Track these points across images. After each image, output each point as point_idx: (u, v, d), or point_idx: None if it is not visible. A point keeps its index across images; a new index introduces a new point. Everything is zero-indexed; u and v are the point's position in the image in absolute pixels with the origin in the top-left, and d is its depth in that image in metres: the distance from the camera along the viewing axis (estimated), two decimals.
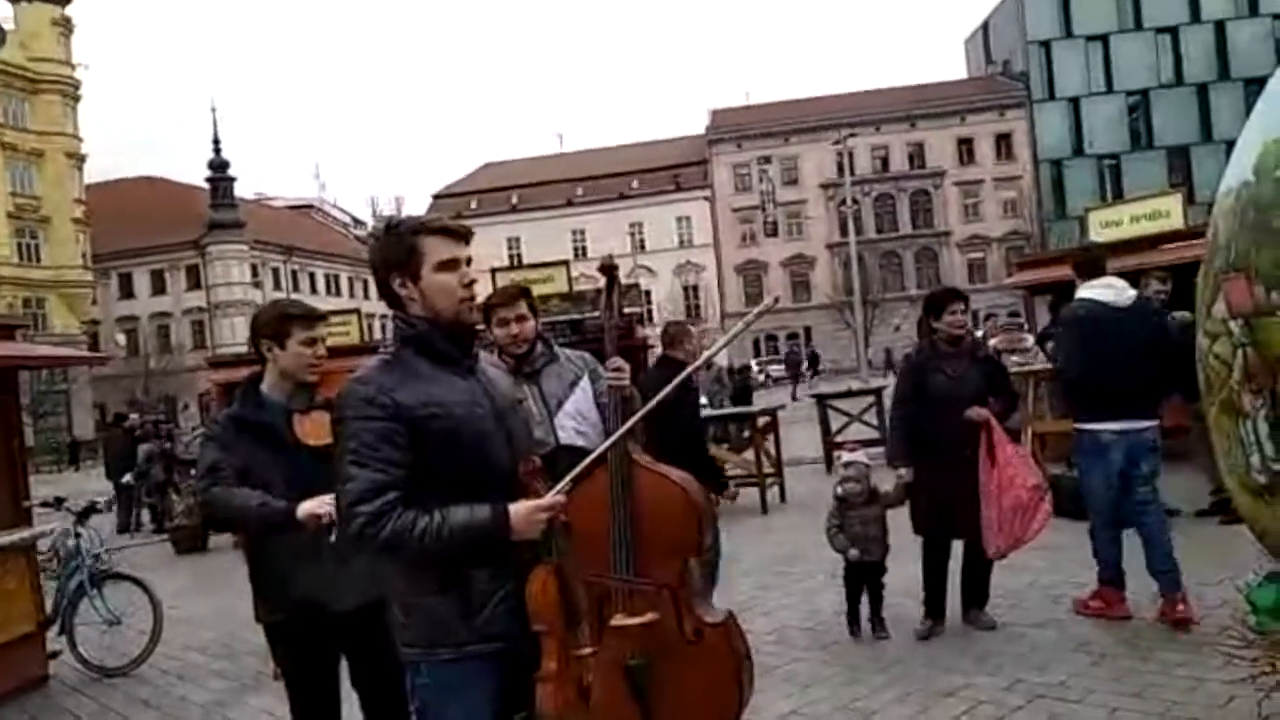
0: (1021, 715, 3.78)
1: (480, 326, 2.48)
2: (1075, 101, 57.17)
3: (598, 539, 2.57)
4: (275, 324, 3.08)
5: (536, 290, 11.67)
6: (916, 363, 5.02)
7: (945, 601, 4.93)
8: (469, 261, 2.24)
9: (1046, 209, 56.85)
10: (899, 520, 5.01)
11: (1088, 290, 4.98)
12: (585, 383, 3.17)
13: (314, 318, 3.14)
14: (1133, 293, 5.08)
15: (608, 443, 2.39)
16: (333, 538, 2.69)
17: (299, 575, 2.95)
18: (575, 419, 3.12)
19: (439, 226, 2.23)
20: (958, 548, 4.96)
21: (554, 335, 9.79)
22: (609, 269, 2.86)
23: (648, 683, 2.65)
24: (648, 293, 54.41)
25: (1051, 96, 57.45)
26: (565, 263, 11.87)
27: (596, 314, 11.52)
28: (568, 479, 2.20)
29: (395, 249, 2.19)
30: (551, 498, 2.13)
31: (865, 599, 4.96)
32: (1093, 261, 5.25)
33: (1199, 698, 3.75)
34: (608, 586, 2.54)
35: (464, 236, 2.25)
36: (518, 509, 2.09)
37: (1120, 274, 8.21)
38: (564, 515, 2.20)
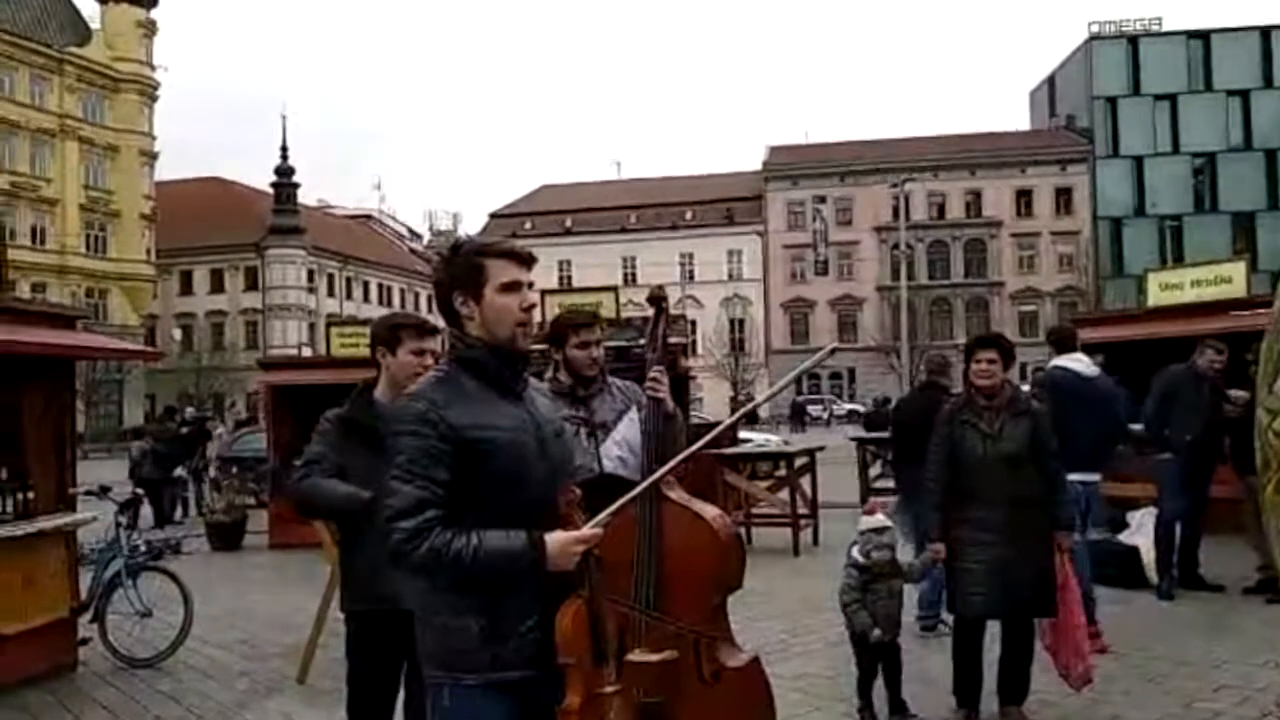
0: None
1: (537, 348, 2.48)
2: (1139, 160, 56.37)
3: (622, 568, 2.55)
4: (388, 333, 3.30)
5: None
6: (948, 415, 4.53)
7: (980, 689, 4.42)
8: (531, 286, 2.26)
9: (1103, 267, 55.95)
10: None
11: (1063, 360, 6.04)
12: (633, 412, 3.17)
13: (425, 330, 3.33)
14: (1097, 369, 6.21)
15: (653, 478, 2.37)
16: None
17: (384, 572, 3.07)
18: (621, 448, 3.11)
19: (506, 249, 2.25)
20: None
21: (618, 360, 9.86)
22: (658, 299, 2.85)
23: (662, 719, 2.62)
24: (693, 323, 54.41)
25: (1115, 154, 56.72)
26: (614, 288, 11.91)
27: (641, 342, 11.60)
28: (607, 512, 2.18)
29: (461, 267, 2.23)
30: (589, 530, 2.11)
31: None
32: (1067, 336, 6.51)
33: None
34: (628, 619, 2.52)
35: (528, 262, 2.26)
36: (554, 539, 2.08)
37: (1179, 340, 8.18)
38: (598, 549, 2.19)
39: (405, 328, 3.29)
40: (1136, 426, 7.11)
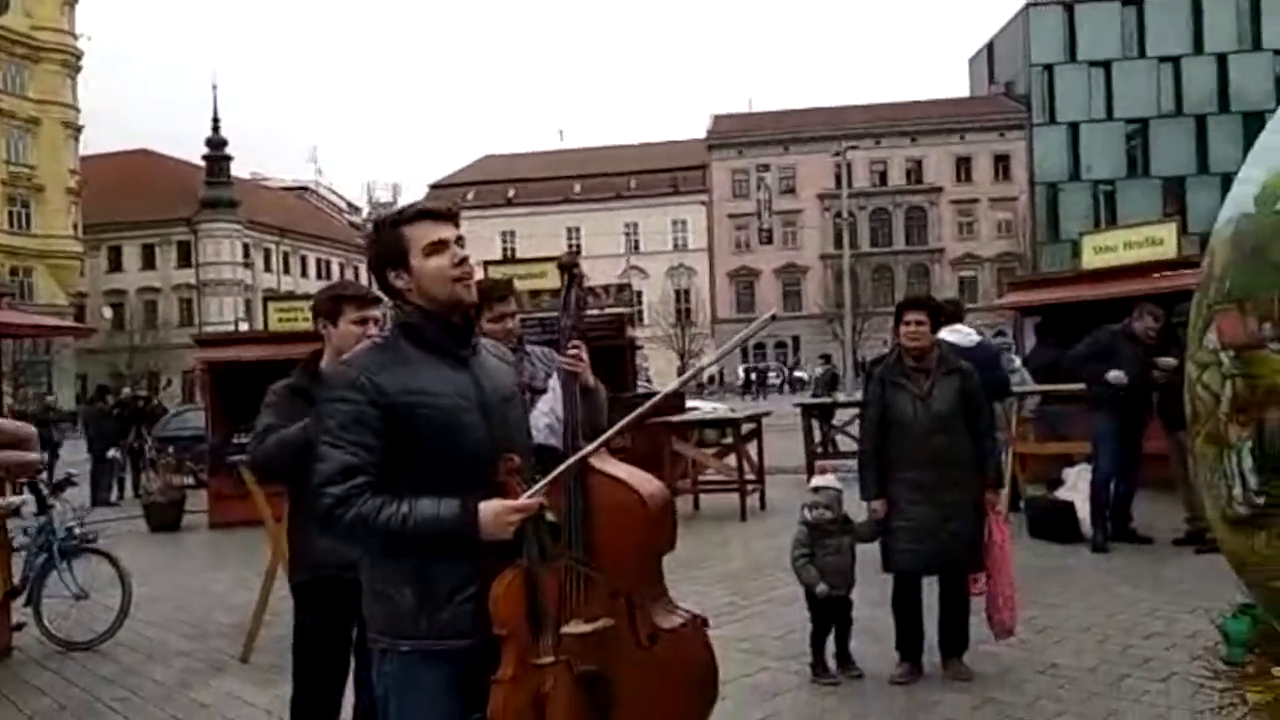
0: None
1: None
2: (1075, 126, 57.42)
3: (538, 533, 2.54)
4: (329, 304, 3.27)
5: (529, 285, 11.75)
6: (879, 377, 4.60)
7: (922, 643, 4.51)
8: (460, 241, 2.22)
9: (1040, 231, 57.08)
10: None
11: (945, 332, 6.26)
12: (554, 380, 3.14)
13: (366, 299, 3.29)
14: (977, 337, 7.12)
15: (590, 448, 2.34)
16: None
17: (327, 540, 3.06)
18: (549, 416, 3.08)
19: (419, 211, 2.22)
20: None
21: (543, 331, 9.78)
22: (568, 265, 2.77)
23: (603, 690, 2.61)
24: (639, 294, 54.38)
25: (1052, 120, 57.70)
26: (557, 258, 11.79)
27: (589, 314, 11.51)
28: (544, 481, 2.16)
29: (384, 243, 2.21)
30: (525, 500, 2.10)
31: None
32: (955, 312, 7.20)
33: None
34: (563, 594, 2.49)
35: (447, 217, 2.23)
36: (488, 508, 2.06)
37: (1112, 301, 8.38)
38: (551, 515, 2.16)
39: (346, 299, 3.26)
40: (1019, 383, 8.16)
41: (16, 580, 6.03)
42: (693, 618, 2.87)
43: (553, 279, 11.19)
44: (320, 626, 3.21)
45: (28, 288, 47.17)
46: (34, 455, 1.52)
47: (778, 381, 48.12)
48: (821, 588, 4.44)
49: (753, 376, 46.12)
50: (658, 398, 2.75)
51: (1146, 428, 7.26)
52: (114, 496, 14.58)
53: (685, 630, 2.81)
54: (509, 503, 2.08)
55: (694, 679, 2.82)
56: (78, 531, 6.32)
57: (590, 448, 2.34)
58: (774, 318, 2.92)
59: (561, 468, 2.23)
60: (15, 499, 6.00)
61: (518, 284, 11.47)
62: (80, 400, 24.93)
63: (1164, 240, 9.87)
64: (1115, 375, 6.85)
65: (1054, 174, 57.81)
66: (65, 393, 43.59)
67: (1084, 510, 7.30)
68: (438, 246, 2.17)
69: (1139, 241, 10.09)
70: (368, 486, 2.05)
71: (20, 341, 38.73)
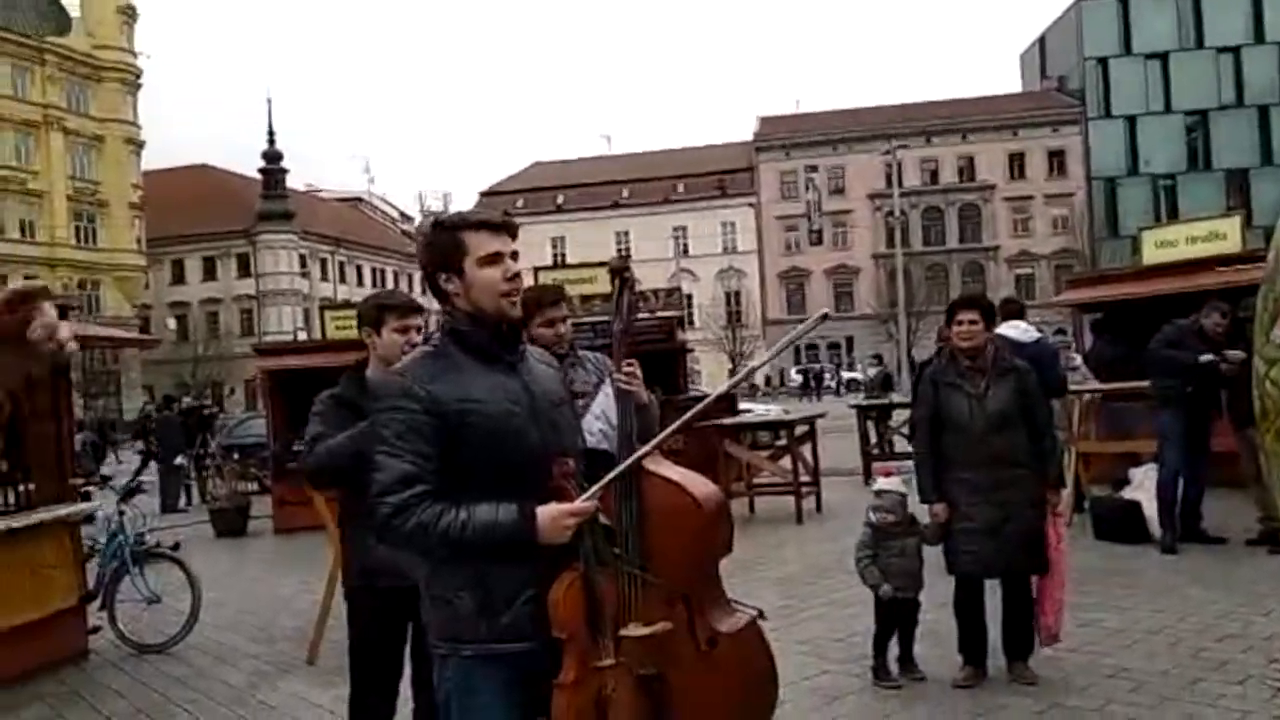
0: None
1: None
2: (1132, 120, 56.11)
3: (596, 537, 2.55)
4: (373, 313, 3.30)
5: (578, 291, 11.82)
6: (929, 378, 4.53)
7: (986, 647, 4.42)
8: (514, 255, 2.24)
9: (1098, 227, 55.86)
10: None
11: (1004, 328, 6.46)
12: (607, 385, 3.15)
13: (408, 308, 3.32)
14: (1036, 334, 7.17)
15: (642, 451, 2.34)
16: None
17: (377, 546, 3.09)
18: (601, 420, 3.09)
19: (480, 221, 2.22)
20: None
21: (594, 336, 9.81)
22: (619, 270, 2.78)
23: (662, 693, 2.61)
24: (689, 297, 54.31)
25: (1108, 114, 56.45)
26: (605, 264, 11.83)
27: (640, 317, 11.53)
28: (599, 485, 2.16)
29: (440, 246, 2.21)
30: (581, 503, 2.10)
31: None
32: (1017, 310, 7.36)
33: None
34: (622, 597, 2.51)
35: (507, 230, 2.24)
36: (546, 512, 2.07)
37: (1174, 297, 8.18)
38: (604, 520, 2.17)
39: (389, 307, 3.29)
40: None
41: (91, 585, 6.21)
42: (752, 619, 2.86)
43: (602, 284, 11.24)
44: (374, 632, 3.24)
45: (95, 300, 48.64)
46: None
47: (833, 383, 47.72)
48: (885, 589, 4.39)
49: (809, 378, 45.84)
50: (708, 399, 2.76)
51: (1214, 425, 7.08)
52: (182, 503, 14.95)
53: (745, 633, 2.80)
54: (565, 506, 2.09)
55: (754, 682, 2.81)
56: (147, 538, 6.51)
57: (644, 450, 2.34)
58: (826, 316, 2.90)
59: (616, 471, 2.24)
60: (88, 505, 6.20)
61: (569, 290, 11.60)
62: (152, 410, 25.49)
63: (1227, 234, 9.61)
64: (1207, 357, 6.63)
65: (1111, 169, 56.52)
66: (133, 403, 44.86)
67: (1151, 510, 7.13)
68: (494, 259, 2.18)
69: (1201, 236, 9.84)
70: (426, 495, 2.06)
71: (90, 353, 39.94)
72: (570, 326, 3.38)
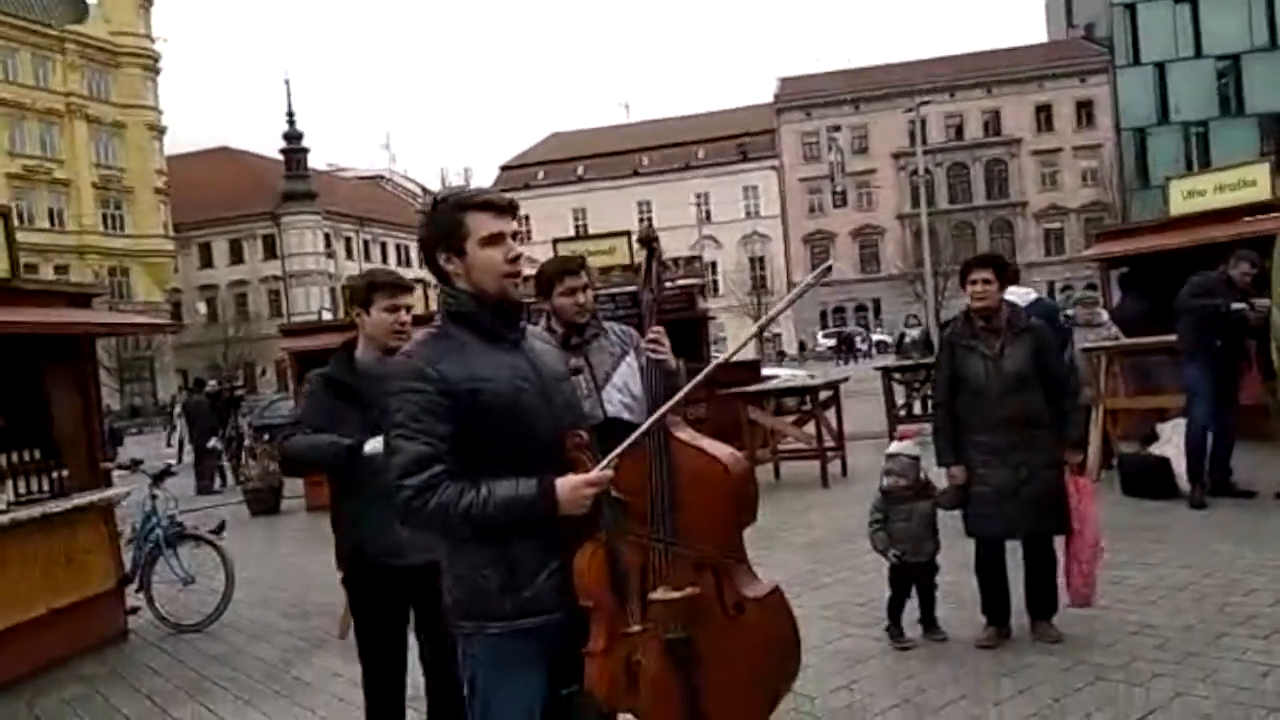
0: (1081, 697, 3.69)
1: (528, 300, 2.47)
2: (1161, 67, 54.83)
3: (637, 511, 2.56)
4: (363, 292, 3.28)
5: (598, 262, 11.81)
6: (948, 341, 4.49)
7: (1009, 607, 4.42)
8: (515, 236, 2.23)
9: (1129, 178, 54.84)
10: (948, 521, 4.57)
11: (1006, 293, 6.93)
12: (631, 356, 3.15)
13: (398, 286, 3.30)
14: (1033, 295, 7.84)
15: (654, 418, 2.35)
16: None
17: (371, 529, 3.11)
18: (622, 392, 3.10)
19: (483, 201, 2.20)
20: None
21: (615, 307, 9.80)
22: (648, 240, 2.80)
23: (689, 656, 2.64)
24: (712, 264, 54.08)
25: (1136, 61, 55.18)
26: (626, 233, 11.81)
27: (632, 289, 11.48)
28: (614, 454, 2.17)
29: (441, 225, 2.20)
30: (598, 473, 2.11)
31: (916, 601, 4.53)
32: (1014, 274, 7.50)
33: (1269, 684, 3.62)
34: (649, 560, 2.53)
35: (509, 210, 2.23)
36: (564, 484, 2.09)
37: (1204, 248, 8.04)
38: (616, 490, 2.18)
39: (378, 286, 3.27)
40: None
41: (128, 568, 6.35)
42: (775, 588, 2.89)
43: (621, 254, 11.21)
44: (373, 612, 3.25)
45: (125, 287, 49.27)
46: None
47: (864, 346, 47.43)
48: (893, 553, 4.42)
49: (842, 341, 45.63)
50: (718, 360, 2.76)
51: (1243, 378, 6.97)
52: (217, 485, 15.20)
53: (770, 599, 2.83)
54: (583, 476, 2.10)
55: (778, 647, 2.84)
56: (180, 520, 6.63)
57: (656, 415, 2.34)
58: (830, 268, 2.89)
59: (629, 440, 2.24)
60: (121, 489, 6.32)
61: (596, 260, 11.58)
62: (182, 392, 25.89)
63: (1257, 181, 9.38)
64: (1238, 305, 6.53)
65: (1141, 118, 55.34)
66: (167, 387, 45.58)
67: (1180, 465, 7.06)
68: (495, 239, 2.17)
69: (1231, 184, 9.62)
70: (445, 475, 2.06)
71: (123, 340, 40.54)
72: (592, 296, 3.37)
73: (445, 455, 2.07)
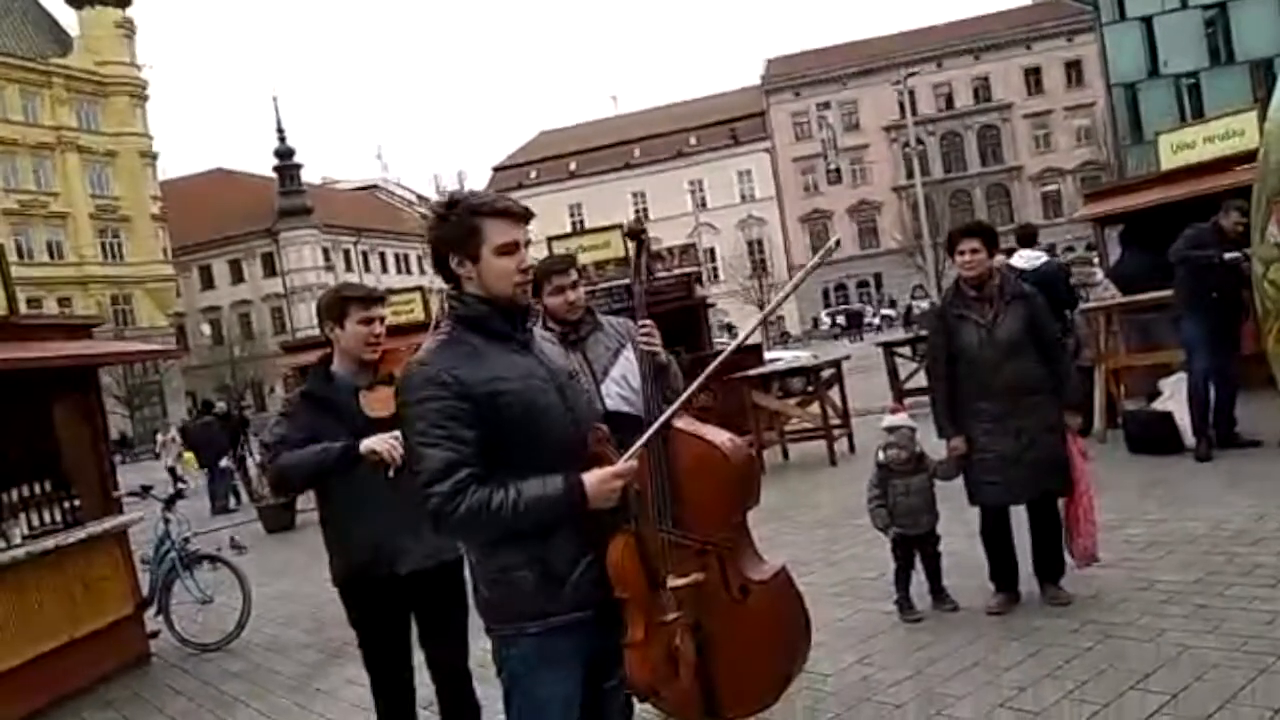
0: (1092, 656, 3.72)
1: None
2: (1148, 20, 54.40)
3: (639, 500, 2.59)
4: (335, 306, 3.23)
5: (593, 256, 11.82)
6: (939, 311, 4.50)
7: (1017, 572, 4.44)
8: (527, 244, 2.25)
9: (1123, 135, 54.54)
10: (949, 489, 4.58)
11: (1014, 258, 7.75)
12: (628, 350, 3.18)
13: (370, 299, 3.27)
14: (1041, 259, 8.17)
15: (673, 408, 2.36)
16: (390, 474, 2.91)
17: (360, 539, 3.13)
18: (620, 385, 3.13)
19: (501, 209, 2.20)
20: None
21: (611, 300, 9.81)
22: (636, 233, 2.84)
23: (701, 641, 2.67)
24: (710, 250, 54.05)
25: (1122, 17, 54.76)
26: (619, 226, 11.82)
27: (655, 277, 11.47)
28: (637, 445, 2.19)
29: (456, 228, 2.19)
30: (624, 464, 2.13)
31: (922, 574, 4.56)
32: (1029, 235, 8.70)
33: (1276, 631, 3.63)
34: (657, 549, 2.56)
35: (524, 219, 2.24)
36: (591, 478, 2.09)
37: (1196, 200, 8.02)
38: (635, 483, 2.20)
39: (352, 299, 3.24)
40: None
41: (145, 592, 6.41)
42: (780, 569, 2.92)
43: (616, 248, 11.22)
44: (373, 623, 3.23)
45: (129, 314, 49.43)
46: None
47: (875, 321, 47.36)
48: (893, 530, 4.45)
49: (850, 318, 45.64)
50: (726, 351, 2.80)
51: (1242, 327, 6.96)
52: (232, 504, 15.28)
53: (776, 580, 2.87)
54: (610, 469, 2.11)
55: (787, 627, 2.88)
56: (193, 542, 6.69)
57: (674, 407, 2.37)
58: (838, 243, 2.91)
59: (650, 431, 2.27)
60: (134, 515, 6.37)
61: (583, 258, 11.60)
62: (189, 415, 25.94)
63: (1245, 130, 9.33)
64: (1231, 255, 6.51)
65: (1131, 73, 54.95)
66: (177, 410, 45.75)
67: (1184, 420, 7.07)
68: (511, 248, 2.18)
69: (1220, 134, 9.58)
70: (472, 479, 2.06)
71: (130, 366, 40.70)
72: (583, 293, 3.39)
73: (470, 459, 2.07)
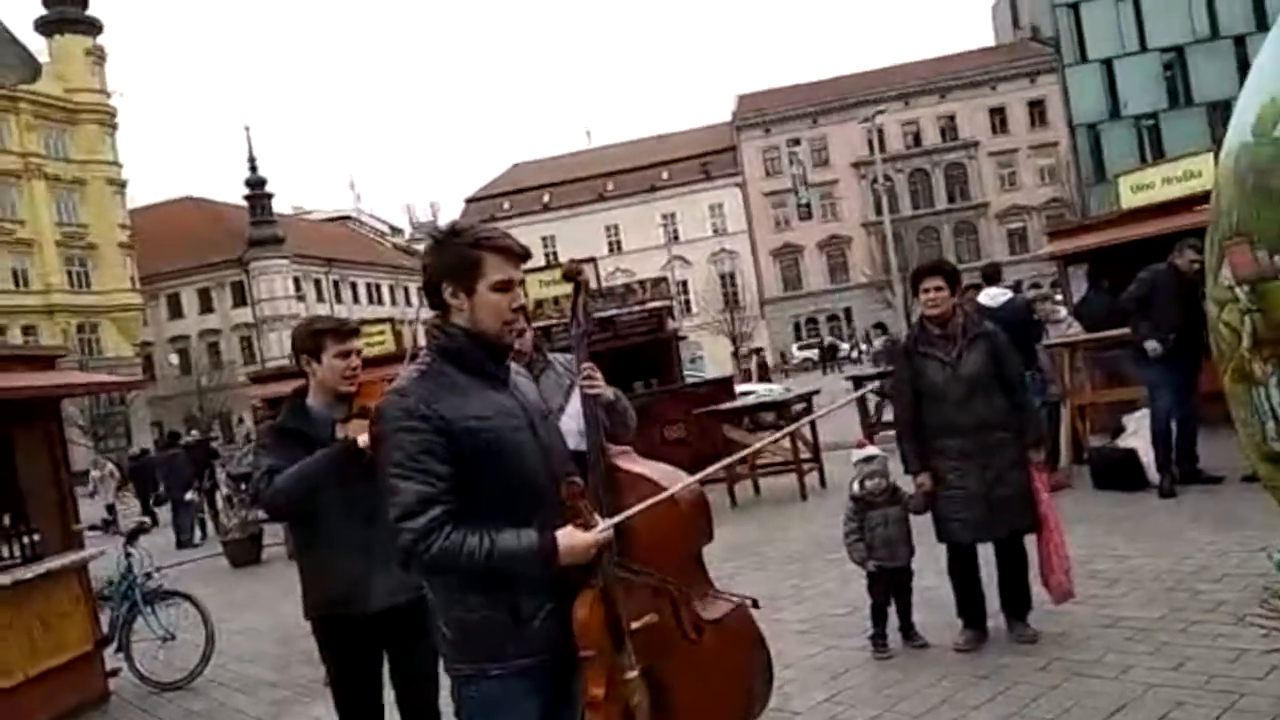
0: (1059, 695, 3.74)
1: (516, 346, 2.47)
2: (1108, 63, 55.85)
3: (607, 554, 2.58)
4: (310, 339, 3.21)
5: (549, 292, 11.79)
6: (905, 349, 4.56)
7: (984, 609, 4.47)
8: (521, 283, 2.25)
9: (1086, 174, 55.68)
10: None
11: (980, 296, 8.02)
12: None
13: (346, 331, 3.26)
14: (1006, 296, 8.18)
15: (684, 484, 2.36)
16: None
17: (335, 574, 3.10)
18: (577, 420, 3.13)
19: (503, 246, 2.20)
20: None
21: (588, 333, 9.83)
22: (573, 274, 2.81)
23: (655, 684, 2.64)
24: (683, 283, 54.32)
25: (1084, 59, 56.19)
26: (593, 259, 11.88)
27: (627, 310, 11.51)
28: (623, 515, 2.20)
29: (457, 257, 2.17)
30: (600, 535, 2.13)
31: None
32: (994, 273, 8.90)
33: (1239, 669, 3.68)
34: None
35: (523, 258, 2.25)
36: (567, 541, 2.09)
37: (1155, 239, 8.19)
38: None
39: (327, 332, 3.22)
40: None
41: (105, 629, 6.27)
42: (737, 604, 2.90)
43: (588, 279, 11.24)
44: (344, 660, 3.19)
45: (95, 344, 48.69)
46: None
47: (854, 354, 47.67)
48: (871, 565, 4.46)
49: (824, 351, 45.95)
50: (742, 454, 2.78)
51: (1201, 364, 7.09)
52: (197, 538, 15.02)
53: (731, 619, 2.84)
54: (588, 537, 2.11)
55: (746, 665, 2.85)
56: (155, 577, 6.56)
57: (687, 481, 2.38)
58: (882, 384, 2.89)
59: (641, 506, 2.27)
60: (94, 550, 6.25)
61: (554, 290, 11.60)
62: (158, 447, 25.35)
63: (1202, 172, 9.58)
64: (1152, 347, 6.84)
65: (1093, 114, 56.31)
66: (143, 440, 44.99)
67: (1147, 456, 7.16)
68: (506, 285, 2.18)
69: (1177, 176, 9.84)
70: (447, 517, 2.04)
71: (95, 397, 40.03)
72: (529, 337, 3.36)
73: (444, 496, 2.05)
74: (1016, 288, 9.84)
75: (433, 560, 2.03)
